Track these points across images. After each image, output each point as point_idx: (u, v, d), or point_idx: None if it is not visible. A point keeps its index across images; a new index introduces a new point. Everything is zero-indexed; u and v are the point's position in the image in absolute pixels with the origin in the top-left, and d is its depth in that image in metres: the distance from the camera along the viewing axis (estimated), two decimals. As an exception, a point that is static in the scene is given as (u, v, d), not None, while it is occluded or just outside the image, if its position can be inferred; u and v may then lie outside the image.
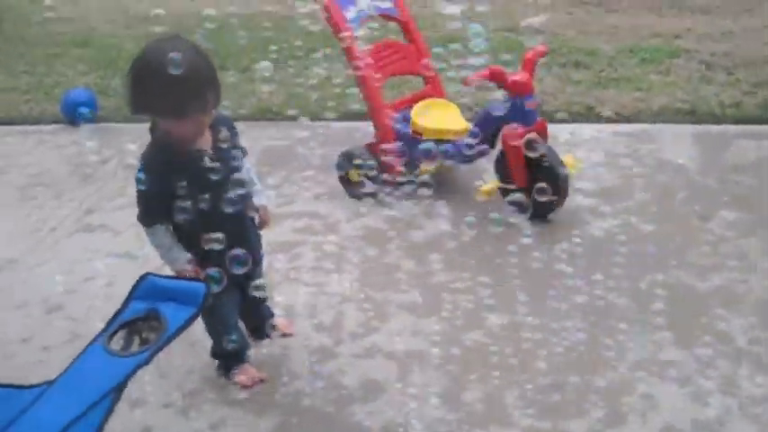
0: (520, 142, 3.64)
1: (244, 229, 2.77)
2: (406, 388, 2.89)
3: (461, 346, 3.08)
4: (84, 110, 4.92)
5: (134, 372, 1.90)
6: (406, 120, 4.13)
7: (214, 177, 2.56)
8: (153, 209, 2.62)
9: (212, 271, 2.54)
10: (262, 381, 2.95)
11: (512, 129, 3.74)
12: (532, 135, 3.63)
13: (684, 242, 3.66)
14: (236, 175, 2.64)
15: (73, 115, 5.26)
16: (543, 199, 3.45)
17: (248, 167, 2.83)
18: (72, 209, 4.32)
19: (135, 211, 2.69)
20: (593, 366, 2.96)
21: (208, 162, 2.57)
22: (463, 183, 4.23)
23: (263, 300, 3.01)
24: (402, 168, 3.90)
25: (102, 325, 2.09)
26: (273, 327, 3.10)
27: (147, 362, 1.92)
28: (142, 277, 2.13)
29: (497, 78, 3.69)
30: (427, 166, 4.01)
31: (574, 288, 3.36)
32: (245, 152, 2.82)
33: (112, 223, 4.12)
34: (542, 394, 2.84)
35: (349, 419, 2.77)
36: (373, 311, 3.31)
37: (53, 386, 1.97)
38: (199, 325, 3.25)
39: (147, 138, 2.63)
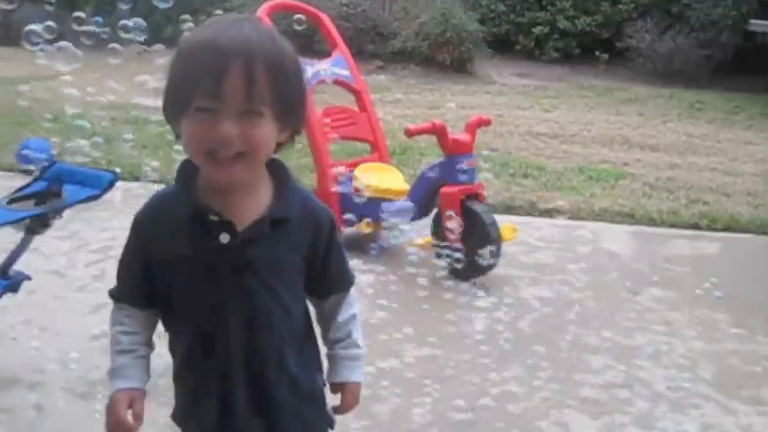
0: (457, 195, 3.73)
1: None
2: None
3: (375, 367, 3.01)
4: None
5: (25, 218, 1.91)
6: (349, 181, 4.19)
7: (229, 278, 1.44)
8: (124, 279, 1.55)
9: None
10: None
11: (450, 187, 3.81)
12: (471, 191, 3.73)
13: (612, 309, 3.66)
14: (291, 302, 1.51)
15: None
16: (479, 260, 3.53)
17: (354, 313, 1.62)
18: None
19: None
20: (508, 395, 2.89)
21: (223, 241, 1.41)
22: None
23: None
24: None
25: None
26: None
27: (38, 216, 1.92)
28: (52, 163, 2.14)
29: (439, 132, 3.79)
30: (366, 224, 4.06)
31: (497, 333, 3.34)
32: (349, 281, 1.62)
33: None
34: (453, 413, 2.76)
35: None
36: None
37: None
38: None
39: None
